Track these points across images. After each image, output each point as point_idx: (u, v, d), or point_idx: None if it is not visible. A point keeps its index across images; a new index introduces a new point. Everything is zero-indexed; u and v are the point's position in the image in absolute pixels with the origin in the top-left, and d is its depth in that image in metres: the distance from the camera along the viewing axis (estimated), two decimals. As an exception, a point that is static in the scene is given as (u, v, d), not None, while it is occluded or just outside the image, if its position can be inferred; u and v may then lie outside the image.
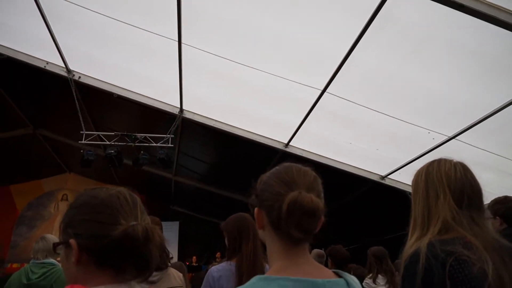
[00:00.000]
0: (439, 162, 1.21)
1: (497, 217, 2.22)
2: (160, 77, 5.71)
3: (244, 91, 5.43)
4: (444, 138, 4.75)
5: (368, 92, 4.51)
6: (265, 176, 1.01)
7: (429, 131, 4.76)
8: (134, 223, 0.80)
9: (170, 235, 11.92)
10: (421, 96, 4.26)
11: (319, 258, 3.90)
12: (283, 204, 0.87)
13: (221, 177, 9.13)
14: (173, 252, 11.40)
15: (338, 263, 3.00)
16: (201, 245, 12.07)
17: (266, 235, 0.97)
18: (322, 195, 0.95)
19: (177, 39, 4.62)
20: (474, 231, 1.05)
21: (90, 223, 0.80)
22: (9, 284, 2.52)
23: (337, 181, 6.65)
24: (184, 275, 2.74)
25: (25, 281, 2.51)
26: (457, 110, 4.24)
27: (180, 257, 11.53)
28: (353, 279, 0.94)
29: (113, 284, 0.78)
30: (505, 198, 2.26)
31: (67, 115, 7.47)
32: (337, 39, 3.90)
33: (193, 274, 8.29)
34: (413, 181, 1.25)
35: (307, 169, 0.99)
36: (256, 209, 0.98)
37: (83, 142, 6.27)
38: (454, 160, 1.19)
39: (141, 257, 0.79)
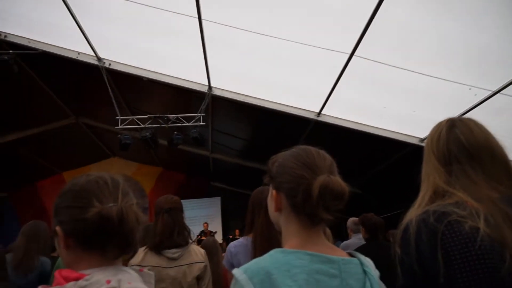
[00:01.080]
0: (433, 126, 1.14)
1: None
2: (186, 56, 5.72)
3: (271, 62, 5.32)
4: (488, 93, 4.40)
5: (399, 51, 4.24)
6: (280, 158, 1.02)
7: (470, 87, 4.42)
8: (111, 204, 0.82)
9: (213, 211, 12.33)
10: (458, 50, 3.94)
11: (355, 226, 3.86)
12: (311, 188, 0.88)
13: (257, 151, 9.18)
14: (217, 226, 11.82)
15: (371, 230, 2.95)
16: (243, 219, 12.36)
17: (281, 216, 0.98)
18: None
19: (197, 16, 4.56)
20: (467, 188, 0.96)
21: (70, 209, 0.84)
22: (59, 263, 2.72)
23: (374, 147, 6.46)
24: (216, 250, 2.82)
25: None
26: (501, 61, 3.88)
27: (224, 231, 11.96)
28: (367, 260, 0.94)
29: (100, 266, 0.82)
30: None
31: (103, 102, 7.77)
32: (362, -3, 3.66)
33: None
34: None
35: (324, 152, 1.01)
36: (274, 191, 0.99)
37: (119, 127, 6.52)
38: (447, 119, 1.11)
39: (120, 236, 0.82)
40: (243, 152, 9.57)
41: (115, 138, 8.62)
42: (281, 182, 0.96)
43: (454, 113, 5.03)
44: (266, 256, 0.89)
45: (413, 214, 0.97)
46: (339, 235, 7.85)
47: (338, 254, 0.92)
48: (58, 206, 0.87)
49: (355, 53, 4.46)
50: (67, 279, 0.77)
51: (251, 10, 4.38)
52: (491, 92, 4.35)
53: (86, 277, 0.78)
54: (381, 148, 6.38)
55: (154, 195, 11.21)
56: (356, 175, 8.14)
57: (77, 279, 0.77)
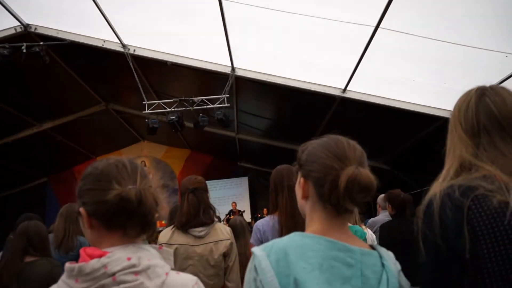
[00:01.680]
0: (460, 97, 1.05)
1: None
2: (208, 38, 5.72)
3: (292, 39, 5.24)
4: (526, 60, 4.14)
5: (427, 20, 4.05)
6: (310, 146, 1.01)
7: (507, 54, 4.18)
8: (130, 187, 0.86)
9: (240, 190, 12.52)
10: (490, 15, 3.70)
11: (384, 202, 3.82)
12: (339, 179, 0.88)
13: (282, 130, 9.17)
14: (245, 206, 12.03)
15: (398, 207, 2.91)
16: (271, 197, 12.51)
17: (307, 204, 0.99)
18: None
19: (217, -4, 4.53)
20: (495, 160, 0.90)
21: (92, 191, 0.89)
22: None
23: (403, 121, 6.28)
24: (243, 229, 2.88)
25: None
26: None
27: (252, 210, 12.16)
28: (387, 253, 0.94)
29: (122, 244, 0.87)
30: None
31: (130, 88, 7.95)
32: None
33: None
34: None
35: (355, 142, 0.99)
36: (302, 179, 1.00)
37: (146, 112, 6.68)
38: (477, 87, 1.02)
39: (139, 216, 0.87)
40: (269, 132, 9.58)
41: (143, 122, 8.86)
42: (309, 171, 0.97)
43: (489, 83, 4.78)
44: (285, 237, 0.92)
45: (437, 188, 0.93)
46: (369, 211, 7.80)
47: (359, 244, 0.92)
48: (80, 188, 0.92)
49: (381, 25, 4.30)
50: (91, 256, 0.83)
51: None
52: (529, 59, 4.10)
53: (109, 255, 0.83)
54: (410, 123, 6.20)
55: (183, 176, 11.44)
56: (385, 152, 7.98)
57: (100, 256, 0.83)
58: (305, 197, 1.00)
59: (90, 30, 6.10)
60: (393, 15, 4.05)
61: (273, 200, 1.92)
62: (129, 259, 0.84)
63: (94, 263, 0.82)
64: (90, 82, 8.59)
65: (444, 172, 0.97)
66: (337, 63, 5.40)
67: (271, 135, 9.65)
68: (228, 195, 11.95)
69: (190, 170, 11.68)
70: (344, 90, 5.95)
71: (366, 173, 0.89)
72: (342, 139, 0.99)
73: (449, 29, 4.03)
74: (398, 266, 0.94)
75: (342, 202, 0.89)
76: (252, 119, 8.88)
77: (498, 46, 4.06)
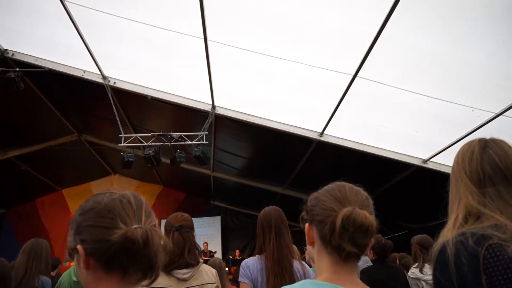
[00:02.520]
0: (462, 147, 1.12)
1: None
2: (191, 76, 5.79)
3: (274, 82, 5.39)
4: (491, 115, 4.42)
5: (402, 73, 4.30)
6: (316, 193, 1.05)
7: (473, 109, 4.46)
8: (135, 226, 0.81)
9: (212, 230, 12.18)
10: (460, 72, 3.99)
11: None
12: (336, 219, 0.91)
13: (258, 170, 9.17)
14: (217, 246, 11.66)
15: (379, 253, 2.90)
16: (244, 238, 12.23)
17: (315, 250, 1.01)
18: (373, 214, 0.99)
19: (202, 37, 4.65)
20: (504, 210, 0.94)
21: (93, 228, 0.82)
22: (60, 282, 2.68)
23: (377, 167, 6.45)
24: (221, 271, 2.76)
25: (74, 279, 2.66)
26: (503, 83, 3.93)
27: (223, 251, 11.79)
28: None
29: None
30: None
31: (107, 120, 7.81)
32: (365, 20, 3.74)
33: (236, 267, 8.42)
34: None
35: (359, 188, 1.03)
36: (306, 225, 1.02)
37: (122, 144, 6.54)
38: (478, 138, 1.09)
39: (143, 259, 0.80)
40: (244, 171, 9.55)
41: (116, 155, 8.62)
42: (313, 215, 1.00)
43: (457, 134, 5.05)
44: (296, 285, 0.93)
45: (448, 235, 0.95)
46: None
47: None
48: (79, 224, 0.85)
49: (358, 74, 4.51)
50: None
51: (255, 32, 4.47)
52: (494, 114, 4.38)
53: None
54: (384, 168, 6.37)
55: (154, 213, 11.09)
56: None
57: None
58: (311, 242, 1.02)
59: (71, 59, 6.05)
60: (371, 66, 4.28)
61: (260, 243, 1.87)
62: None
63: None
64: (64, 111, 8.39)
65: (453, 219, 1.00)
66: (315, 107, 5.56)
67: (247, 174, 9.62)
68: (200, 234, 11.57)
69: (162, 206, 11.33)
70: (321, 133, 6.10)
71: (362, 213, 0.90)
72: (345, 184, 1.03)
73: (422, 82, 4.29)
74: None
75: (341, 243, 0.90)
76: (229, 158, 8.86)
77: (466, 101, 4.34)
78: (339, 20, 3.85)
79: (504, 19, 3.22)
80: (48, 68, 6.09)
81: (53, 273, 2.87)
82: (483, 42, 3.54)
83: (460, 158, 1.09)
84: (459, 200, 1.02)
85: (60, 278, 2.69)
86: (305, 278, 1.79)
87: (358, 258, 0.96)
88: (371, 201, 0.99)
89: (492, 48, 3.61)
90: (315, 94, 5.31)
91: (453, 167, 1.11)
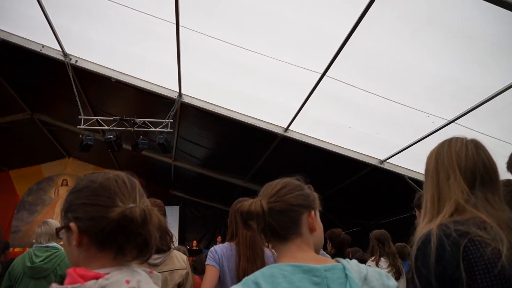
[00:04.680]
0: (450, 141, 1.14)
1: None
2: (159, 61, 5.65)
3: (243, 75, 5.38)
4: (444, 122, 4.74)
5: (368, 75, 4.47)
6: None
7: (429, 115, 4.75)
8: (132, 205, 0.81)
9: (170, 220, 12.00)
10: (421, 80, 4.23)
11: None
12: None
13: (220, 162, 9.15)
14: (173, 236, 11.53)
15: (338, 247, 3.03)
16: (201, 230, 12.20)
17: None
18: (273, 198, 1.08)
19: (175, 22, 4.54)
20: (488, 211, 1.01)
21: (89, 206, 0.81)
22: (12, 267, 2.54)
23: (337, 165, 6.68)
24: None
25: (29, 264, 2.53)
26: (457, 93, 4.22)
27: (180, 242, 11.67)
28: (349, 263, 1.00)
29: (114, 266, 0.80)
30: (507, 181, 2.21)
31: (65, 100, 7.42)
32: (337, 22, 3.84)
33: (194, 258, 8.40)
34: (425, 163, 1.21)
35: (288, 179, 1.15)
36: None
37: (81, 127, 6.25)
38: (467, 138, 1.13)
39: (140, 238, 0.81)
40: (206, 162, 9.50)
41: (72, 138, 8.23)
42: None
43: (412, 138, 5.36)
44: (257, 271, 0.99)
45: (431, 226, 1.01)
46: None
47: (323, 262, 1.00)
48: (72, 202, 0.83)
49: (327, 74, 4.64)
50: (85, 278, 0.74)
51: (229, 22, 4.44)
52: (447, 121, 4.70)
53: (107, 276, 0.75)
54: (344, 167, 6.62)
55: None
56: (317, 192, 8.32)
57: (95, 277, 0.75)
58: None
59: (28, 31, 5.66)
60: (339, 66, 4.41)
61: (232, 229, 1.90)
62: (127, 281, 0.77)
63: (91, 285, 0.73)
64: (18, 87, 7.85)
65: (442, 213, 1.05)
66: (282, 103, 5.64)
67: (208, 165, 9.57)
68: (157, 223, 11.37)
69: (118, 193, 10.96)
70: (286, 129, 6.20)
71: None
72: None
73: (385, 85, 4.50)
74: (362, 270, 0.98)
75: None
76: (191, 147, 8.76)
77: (423, 106, 4.62)
78: (313, 19, 3.93)
79: (468, 36, 3.45)
80: (1, 38, 5.66)
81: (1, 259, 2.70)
82: (444, 54, 3.78)
83: (454, 153, 1.09)
84: (451, 197, 1.06)
85: (13, 263, 2.55)
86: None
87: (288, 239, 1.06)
88: (284, 192, 1.09)
89: (450, 60, 3.86)
90: (283, 89, 5.38)
91: (440, 160, 1.11)
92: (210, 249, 1.96)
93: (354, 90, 4.70)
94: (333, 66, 4.47)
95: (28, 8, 5.01)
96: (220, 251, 1.90)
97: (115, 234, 0.79)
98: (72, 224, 0.81)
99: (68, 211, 0.84)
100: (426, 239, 1.00)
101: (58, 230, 0.86)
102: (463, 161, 1.08)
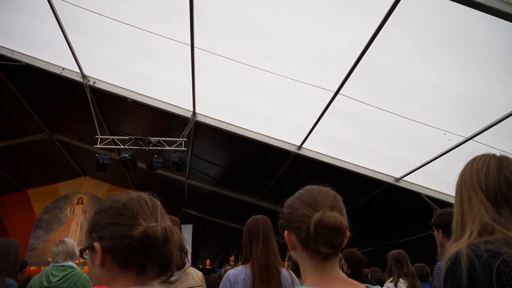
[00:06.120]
0: (473, 160, 1.13)
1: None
2: (173, 81, 5.76)
3: (257, 93, 5.44)
4: (461, 139, 4.65)
5: (381, 93, 4.46)
6: (289, 200, 1.09)
7: (445, 132, 4.67)
8: (154, 224, 0.83)
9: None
10: (436, 96, 4.19)
11: (339, 261, 3.87)
12: (310, 225, 0.95)
13: (234, 180, 9.15)
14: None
15: (354, 267, 2.96)
16: (215, 248, 12.09)
17: (298, 254, 1.05)
18: (344, 211, 1.03)
19: (189, 43, 4.65)
20: None
21: (112, 225, 0.83)
22: (30, 285, 2.56)
23: (351, 183, 6.59)
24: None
25: (46, 284, 2.54)
26: (475, 110, 4.15)
27: (193, 260, 11.58)
28: None
29: (136, 286, 0.81)
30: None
31: (82, 120, 7.60)
32: (351, 40, 3.87)
33: (206, 277, 8.31)
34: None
35: (328, 189, 1.07)
36: (286, 232, 1.06)
37: (98, 146, 6.37)
38: (492, 155, 1.12)
39: (161, 257, 0.82)
40: (219, 180, 9.50)
41: (89, 157, 8.37)
42: (289, 223, 1.04)
43: (429, 155, 5.27)
44: None
45: (460, 246, 0.99)
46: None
47: (355, 287, 0.98)
48: (97, 222, 0.86)
49: (340, 92, 4.64)
50: None
51: (242, 41, 4.52)
52: (464, 138, 4.61)
53: None
54: (358, 185, 6.52)
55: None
56: (331, 210, 8.19)
57: None
58: (293, 248, 1.05)
59: (50, 55, 5.88)
60: (353, 84, 4.41)
61: (246, 250, 1.87)
62: None
63: None
64: (37, 108, 8.10)
65: (467, 235, 1.03)
66: (296, 121, 5.65)
67: (222, 183, 9.57)
68: (170, 242, 11.34)
69: (132, 212, 11.02)
70: (300, 147, 6.18)
71: (332, 215, 0.95)
72: (314, 187, 1.07)
73: (400, 103, 4.47)
74: None
75: (316, 245, 0.95)
76: (205, 165, 8.80)
77: (439, 124, 4.55)
78: (327, 37, 3.97)
79: (484, 51, 3.43)
80: (25, 62, 5.89)
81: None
82: (460, 71, 3.75)
83: (474, 173, 1.09)
84: (474, 216, 1.04)
85: (30, 282, 2.57)
86: (293, 286, 1.80)
87: (337, 254, 1.01)
88: (339, 199, 1.04)
89: (465, 76, 3.83)
90: (296, 107, 5.40)
91: (463, 180, 1.11)
92: (224, 277, 1.93)
93: (368, 108, 4.68)
94: (346, 84, 4.47)
95: (50, 32, 5.23)
96: (233, 278, 1.86)
97: (137, 253, 0.80)
98: (96, 244, 0.83)
99: (92, 231, 0.86)
100: (456, 259, 0.98)
101: (82, 251, 0.87)
102: (484, 180, 1.07)
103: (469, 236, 1.03)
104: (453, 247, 1.02)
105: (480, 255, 0.95)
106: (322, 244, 0.94)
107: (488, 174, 1.07)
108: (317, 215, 0.94)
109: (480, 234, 1.02)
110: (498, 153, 1.13)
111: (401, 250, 3.14)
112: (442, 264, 1.11)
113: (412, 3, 3.22)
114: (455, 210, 1.12)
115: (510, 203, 1.03)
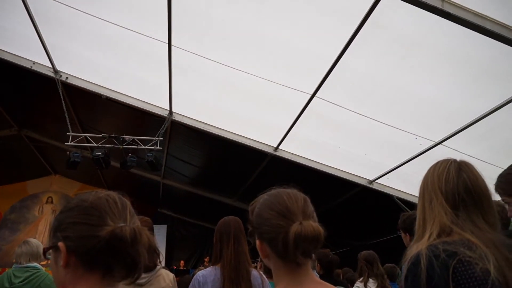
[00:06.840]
0: (435, 165, 1.19)
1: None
2: (150, 79, 5.67)
3: (234, 94, 5.43)
4: (431, 143, 4.82)
5: (357, 97, 4.56)
6: (257, 208, 1.05)
7: (417, 137, 4.83)
8: (123, 224, 0.80)
9: (157, 239, 11.74)
10: (409, 102, 4.32)
11: (312, 262, 3.91)
12: (287, 237, 0.92)
13: (210, 180, 9.09)
14: (160, 256, 11.27)
15: (326, 267, 3.01)
16: (189, 249, 11.97)
17: (271, 262, 1.03)
18: (315, 214, 1.01)
19: (167, 42, 4.59)
20: (474, 232, 1.04)
21: (78, 225, 0.80)
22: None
23: (326, 185, 6.69)
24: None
25: (7, 285, 2.44)
26: (444, 116, 4.31)
27: (167, 261, 11.42)
28: None
29: (101, 287, 0.79)
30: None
31: (53, 116, 7.35)
32: (328, 44, 3.93)
33: (179, 278, 8.20)
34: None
35: (295, 192, 1.04)
36: (257, 241, 1.03)
37: (69, 144, 6.17)
38: (452, 160, 1.17)
39: (129, 258, 0.79)
40: (195, 180, 9.42)
41: (60, 155, 8.11)
42: (261, 233, 1.00)
43: (400, 159, 5.42)
44: None
45: (420, 247, 1.04)
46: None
47: None
48: (62, 221, 0.82)
49: (316, 94, 4.71)
50: None
51: (221, 43, 4.50)
52: (433, 142, 4.78)
53: None
54: (333, 187, 6.63)
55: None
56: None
57: None
58: (265, 256, 1.03)
59: (19, 48, 5.65)
60: (329, 87, 4.49)
61: (216, 251, 1.87)
62: None
63: None
64: (5, 102, 7.76)
65: (427, 236, 1.08)
66: (273, 122, 5.68)
67: (198, 183, 9.49)
68: (143, 243, 11.12)
69: (104, 212, 10.75)
70: (276, 148, 6.22)
71: (309, 225, 0.93)
72: (282, 193, 1.03)
73: (374, 107, 4.58)
74: None
75: (295, 258, 0.94)
76: (181, 165, 8.70)
77: (412, 128, 4.70)
78: (304, 40, 4.02)
79: (455, 60, 3.56)
80: (-8, 55, 5.64)
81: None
82: (432, 78, 3.89)
83: (436, 177, 1.14)
84: (434, 218, 1.09)
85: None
86: (263, 287, 1.81)
87: (311, 257, 1.01)
88: (309, 202, 1.02)
89: (437, 83, 3.97)
90: (273, 109, 5.43)
91: (426, 184, 1.17)
92: (194, 278, 1.91)
93: (343, 111, 4.76)
94: (323, 87, 4.54)
95: (21, 25, 5.02)
96: (203, 279, 1.85)
97: (104, 253, 0.77)
98: (60, 244, 0.79)
99: (57, 230, 0.82)
100: (416, 260, 1.02)
101: (45, 250, 0.84)
102: (444, 184, 1.12)
103: (429, 237, 1.08)
104: (414, 248, 1.07)
105: (438, 255, 1.00)
106: (299, 255, 0.93)
107: (448, 179, 1.12)
108: (295, 228, 0.92)
109: (439, 235, 1.07)
110: (459, 158, 1.18)
111: (371, 251, 3.22)
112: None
113: (387, 11, 3.31)
114: (418, 212, 1.17)
115: (468, 206, 1.09)
